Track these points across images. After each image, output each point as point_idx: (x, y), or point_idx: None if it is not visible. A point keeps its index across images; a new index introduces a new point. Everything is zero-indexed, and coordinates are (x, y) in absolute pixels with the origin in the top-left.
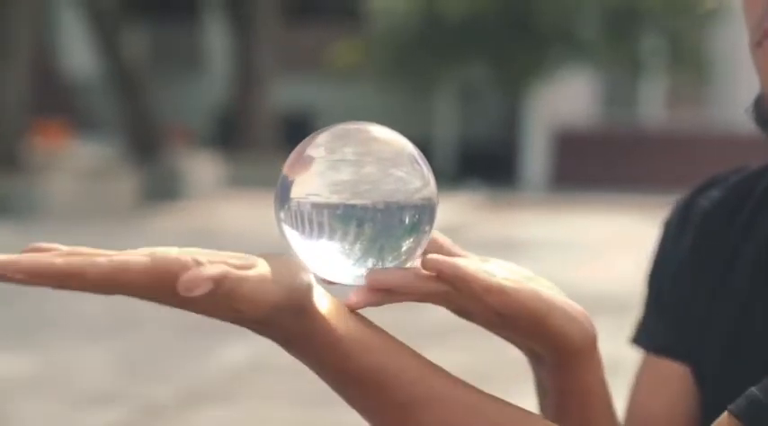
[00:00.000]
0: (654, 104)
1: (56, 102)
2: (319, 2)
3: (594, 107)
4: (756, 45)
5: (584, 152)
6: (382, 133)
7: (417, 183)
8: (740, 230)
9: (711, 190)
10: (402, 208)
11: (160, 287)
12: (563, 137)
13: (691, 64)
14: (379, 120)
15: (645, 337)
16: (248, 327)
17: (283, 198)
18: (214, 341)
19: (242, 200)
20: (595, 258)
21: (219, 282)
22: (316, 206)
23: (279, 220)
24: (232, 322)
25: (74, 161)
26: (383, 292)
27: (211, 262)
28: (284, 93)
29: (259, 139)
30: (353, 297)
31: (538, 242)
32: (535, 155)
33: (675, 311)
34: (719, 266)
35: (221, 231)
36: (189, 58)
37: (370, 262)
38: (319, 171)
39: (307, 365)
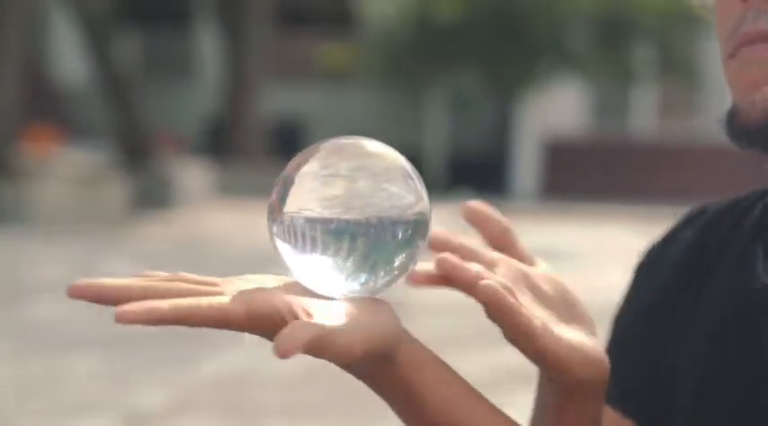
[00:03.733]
0: (645, 114)
1: (47, 108)
2: (311, 9)
3: (585, 117)
4: (729, 57)
5: (575, 162)
6: (376, 148)
7: (411, 199)
8: (704, 274)
9: (687, 230)
10: (395, 223)
11: (259, 332)
12: (554, 146)
13: (682, 74)
14: (370, 128)
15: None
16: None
17: (276, 212)
18: (203, 351)
19: (232, 208)
20: (585, 267)
21: (311, 344)
22: (309, 220)
23: (272, 234)
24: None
25: (64, 167)
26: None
27: (306, 312)
28: (275, 100)
29: (249, 147)
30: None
31: None
32: (526, 165)
33: (627, 361)
34: (686, 307)
35: (211, 238)
36: (180, 66)
37: (362, 277)
38: (313, 186)
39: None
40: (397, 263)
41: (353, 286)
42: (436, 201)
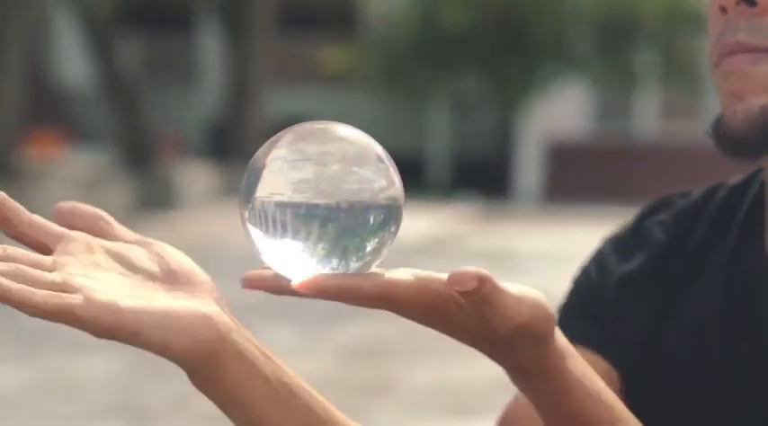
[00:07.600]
0: (647, 117)
1: (50, 111)
2: (314, 12)
3: (588, 120)
4: (714, 66)
5: (578, 164)
6: (347, 132)
7: (382, 183)
8: (688, 260)
9: (660, 214)
10: (367, 207)
11: (425, 303)
12: (556, 149)
13: (684, 77)
14: (374, 131)
15: (569, 332)
16: (482, 348)
17: (247, 197)
18: None
19: (235, 210)
20: None
21: (484, 282)
22: (279, 205)
23: (243, 219)
24: (470, 341)
25: (67, 170)
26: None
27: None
28: (278, 103)
29: (252, 150)
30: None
31: (530, 254)
32: (528, 168)
33: (614, 322)
34: (669, 290)
35: (214, 240)
36: (183, 69)
37: (334, 262)
38: (283, 170)
39: (526, 394)
40: (369, 249)
41: (325, 271)
42: (439, 203)
